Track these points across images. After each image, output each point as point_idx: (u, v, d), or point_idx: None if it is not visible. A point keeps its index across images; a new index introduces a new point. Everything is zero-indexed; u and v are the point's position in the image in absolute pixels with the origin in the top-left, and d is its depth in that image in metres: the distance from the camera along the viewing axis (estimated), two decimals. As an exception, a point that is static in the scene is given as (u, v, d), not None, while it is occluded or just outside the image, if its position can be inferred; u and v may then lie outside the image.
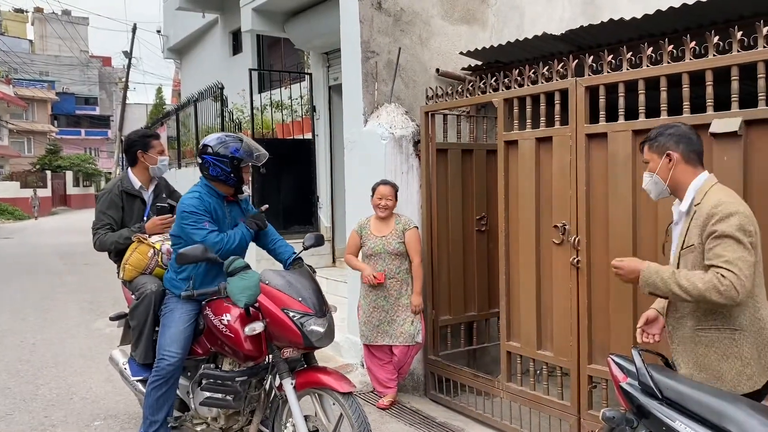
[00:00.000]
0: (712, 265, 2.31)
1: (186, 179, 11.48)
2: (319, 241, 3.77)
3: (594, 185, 3.84)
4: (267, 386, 3.49)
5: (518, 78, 4.28)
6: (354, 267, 4.85)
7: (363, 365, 5.30)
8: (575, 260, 3.87)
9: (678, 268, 2.50)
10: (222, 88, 8.84)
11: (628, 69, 3.61)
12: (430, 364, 5.11)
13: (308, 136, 8.46)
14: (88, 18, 66.78)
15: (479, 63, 5.49)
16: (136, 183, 4.12)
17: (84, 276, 10.92)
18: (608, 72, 3.72)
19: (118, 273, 4.04)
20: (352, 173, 5.43)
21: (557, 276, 4.04)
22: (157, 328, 3.75)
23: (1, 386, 5.05)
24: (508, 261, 4.43)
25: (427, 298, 4.97)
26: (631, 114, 3.62)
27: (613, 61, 3.76)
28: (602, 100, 3.76)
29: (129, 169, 4.17)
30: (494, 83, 4.48)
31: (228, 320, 3.39)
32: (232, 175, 3.48)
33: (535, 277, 4.20)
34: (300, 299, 3.20)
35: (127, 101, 24.59)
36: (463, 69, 5.63)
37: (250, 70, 7.88)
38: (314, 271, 3.67)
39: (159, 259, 3.88)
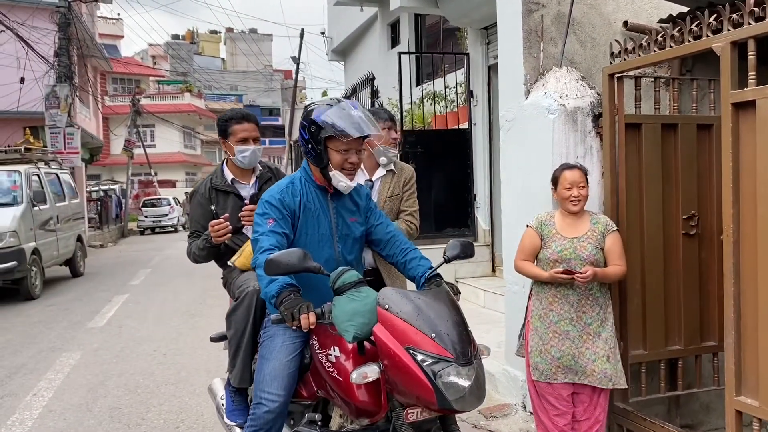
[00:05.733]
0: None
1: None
2: (466, 251, 2.64)
3: None
4: None
5: (755, 9, 2.88)
6: (531, 275, 3.50)
7: (525, 408, 4.12)
8: None
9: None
10: (373, 79, 8.07)
11: None
12: (618, 413, 3.80)
13: (464, 126, 7.38)
14: (272, 34, 71.31)
15: (683, 10, 4.07)
16: (228, 176, 3.29)
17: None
18: None
19: (225, 263, 3.25)
20: (510, 160, 4.27)
21: (828, 305, 2.60)
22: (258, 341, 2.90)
23: (113, 405, 4.56)
24: (738, 279, 3.02)
25: (614, 326, 3.68)
26: None
27: None
28: None
29: (225, 161, 3.40)
30: (714, 22, 3.11)
31: (336, 356, 2.42)
32: (310, 147, 2.54)
33: (786, 305, 2.77)
34: (433, 335, 2.13)
35: (297, 106, 25.25)
36: (661, 21, 4.23)
37: (400, 53, 7.00)
38: (458, 294, 2.57)
39: None
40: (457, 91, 7.84)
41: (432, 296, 2.32)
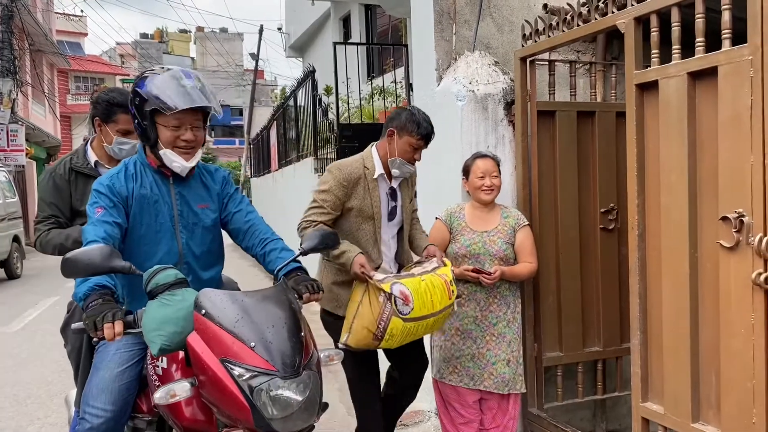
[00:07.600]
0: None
1: (287, 181, 10.61)
2: (326, 242, 2.34)
3: (798, 145, 2.16)
4: None
5: (659, -18, 2.66)
6: None
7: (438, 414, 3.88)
8: (761, 276, 2.21)
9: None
10: (313, 72, 7.78)
11: None
12: (531, 420, 3.56)
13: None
14: (243, 34, 70.47)
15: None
16: (92, 158, 2.91)
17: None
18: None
19: (338, 338, 2.84)
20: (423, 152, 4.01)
21: (728, 301, 2.37)
22: None
23: (-17, 424, 4.17)
24: (644, 276, 2.79)
25: (526, 326, 3.45)
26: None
27: None
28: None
29: (90, 141, 3.05)
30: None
31: (163, 368, 2.12)
32: (137, 122, 2.23)
33: (688, 303, 2.54)
34: (252, 345, 1.80)
35: (259, 104, 24.77)
36: (584, 5, 4.01)
37: (335, 43, 6.73)
38: (316, 290, 2.22)
39: (394, 307, 2.66)
40: (399, 86, 7.59)
41: (261, 297, 1.96)
